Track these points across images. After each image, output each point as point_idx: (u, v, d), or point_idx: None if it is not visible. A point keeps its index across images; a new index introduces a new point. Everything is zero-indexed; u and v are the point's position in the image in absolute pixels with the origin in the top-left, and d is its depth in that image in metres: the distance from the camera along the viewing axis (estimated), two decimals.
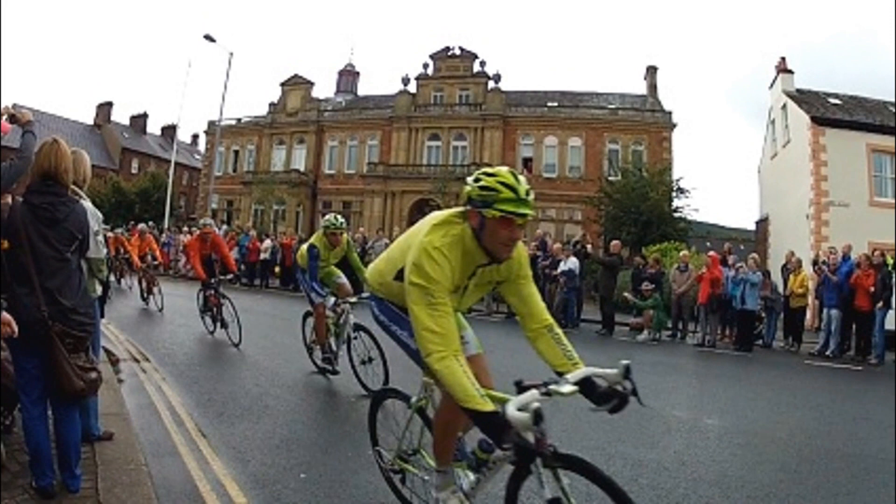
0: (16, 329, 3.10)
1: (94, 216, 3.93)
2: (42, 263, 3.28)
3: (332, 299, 7.23)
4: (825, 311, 13.00)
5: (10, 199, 3.39)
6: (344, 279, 7.76)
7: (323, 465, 4.44)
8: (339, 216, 7.50)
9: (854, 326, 12.65)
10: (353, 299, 7.09)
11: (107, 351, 7.05)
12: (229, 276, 10.61)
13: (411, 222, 34.62)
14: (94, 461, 3.91)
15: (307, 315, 7.71)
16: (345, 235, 7.45)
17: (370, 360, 6.62)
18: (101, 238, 4.07)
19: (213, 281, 9.99)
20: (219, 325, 9.80)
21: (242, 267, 21.03)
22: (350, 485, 4.11)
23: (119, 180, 47.77)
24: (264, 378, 7.33)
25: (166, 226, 30.91)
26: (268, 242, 22.38)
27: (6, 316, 3.08)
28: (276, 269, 21.89)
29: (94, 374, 3.50)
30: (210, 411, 5.75)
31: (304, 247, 7.56)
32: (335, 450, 4.83)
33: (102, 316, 5.46)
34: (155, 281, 13.77)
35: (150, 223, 28.38)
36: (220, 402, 6.07)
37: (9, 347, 3.49)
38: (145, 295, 13.83)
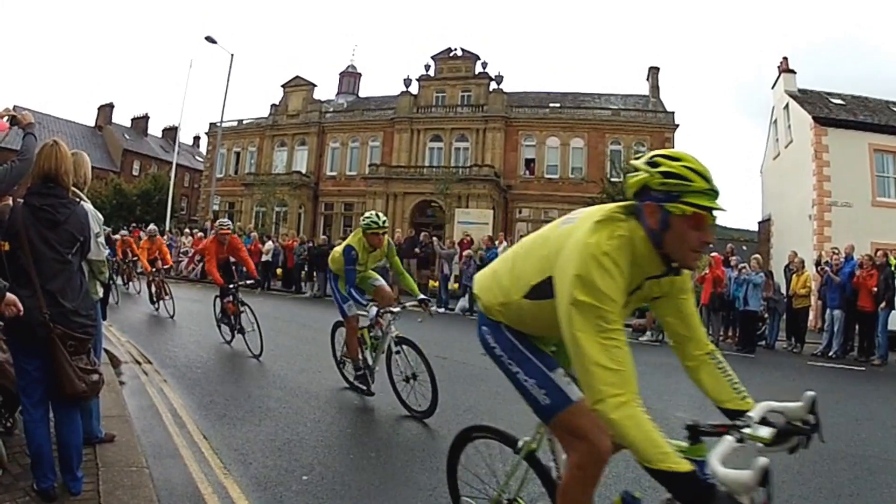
0: (21, 308, 3.10)
1: (95, 218, 3.93)
2: (43, 265, 3.28)
3: (375, 309, 6.30)
4: (828, 311, 12.99)
5: (10, 201, 3.38)
6: (382, 281, 7.04)
7: (325, 468, 4.43)
8: (380, 213, 6.54)
9: (857, 327, 12.62)
10: (397, 309, 6.30)
11: (108, 353, 7.04)
12: (249, 282, 9.63)
13: (413, 224, 34.82)
14: (95, 463, 3.91)
15: (337, 326, 7.07)
16: (387, 236, 6.67)
17: (414, 377, 5.95)
18: (101, 240, 4.07)
19: (231, 287, 9.25)
20: (237, 333, 9.17)
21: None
22: (352, 487, 4.10)
23: (120, 182, 47.81)
24: (266, 380, 7.33)
25: (167, 228, 30.95)
26: (269, 244, 22.40)
27: (11, 297, 3.08)
28: (279, 271, 21.91)
29: (95, 377, 3.50)
30: (212, 413, 5.75)
31: (340, 249, 6.74)
32: (337, 452, 4.82)
33: (104, 318, 5.47)
34: (165, 286, 12.98)
35: (152, 225, 28.42)
36: (221, 405, 6.07)
37: (10, 349, 3.49)
38: (155, 300, 13.16)
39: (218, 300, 9.69)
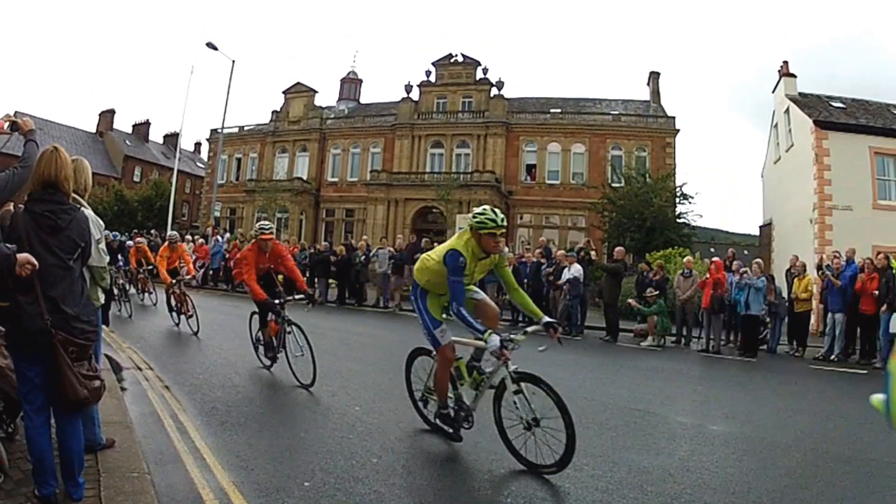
0: (36, 263, 3.14)
1: (96, 224, 3.93)
2: (45, 272, 3.28)
3: (497, 338, 4.54)
4: (829, 315, 12.97)
5: (11, 207, 3.39)
6: (483, 295, 5.48)
7: (326, 474, 4.42)
8: (497, 209, 5.01)
9: (858, 330, 12.61)
10: (521, 335, 4.74)
11: (109, 359, 7.04)
12: (299, 296, 8.11)
13: (415, 230, 34.85)
14: (96, 469, 3.91)
15: (417, 354, 5.82)
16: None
17: (536, 422, 4.53)
18: (103, 246, 4.07)
19: (276, 302, 7.78)
20: (280, 357, 7.88)
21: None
22: (354, 493, 4.08)
23: (121, 188, 47.94)
24: (267, 387, 7.33)
25: (169, 234, 31.02)
26: None
27: (23, 256, 3.11)
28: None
29: (97, 383, 3.50)
30: (213, 419, 5.74)
31: (435, 254, 5.22)
32: (339, 458, 4.81)
33: (107, 324, 5.47)
34: (188, 300, 11.63)
35: (154, 231, 28.41)
36: (223, 411, 6.06)
37: (11, 355, 3.49)
38: (176, 313, 11.93)
39: (256, 318, 8.40)
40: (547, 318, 4.90)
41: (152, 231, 28.81)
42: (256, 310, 8.21)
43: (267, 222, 8.35)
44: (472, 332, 4.75)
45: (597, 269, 16.99)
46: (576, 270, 14.83)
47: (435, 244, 20.21)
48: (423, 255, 5.57)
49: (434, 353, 5.29)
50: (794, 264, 14.37)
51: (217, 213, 37.39)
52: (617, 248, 16.46)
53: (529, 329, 4.93)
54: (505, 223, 4.95)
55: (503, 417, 4.83)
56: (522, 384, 4.60)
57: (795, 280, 13.89)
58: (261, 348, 8.32)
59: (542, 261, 16.14)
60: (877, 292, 11.99)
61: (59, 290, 3.34)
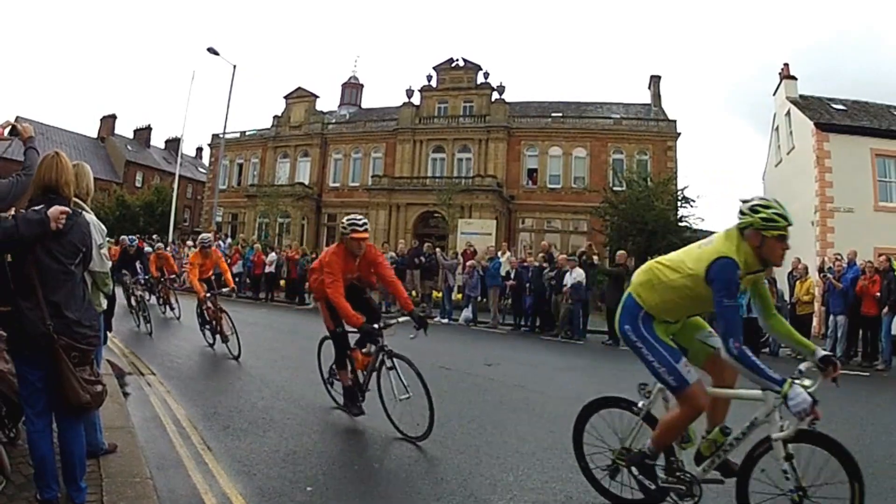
0: (69, 210, 3.22)
1: (98, 229, 3.94)
2: (46, 276, 3.29)
3: (803, 392, 3.23)
4: (831, 317, 12.95)
5: (13, 213, 3.40)
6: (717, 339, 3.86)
7: (329, 479, 4.42)
8: (776, 199, 3.72)
9: (861, 332, 12.60)
10: (807, 381, 3.34)
11: (112, 364, 7.04)
12: (403, 318, 5.82)
13: (416, 234, 34.82)
14: (98, 474, 3.91)
15: (598, 406, 4.27)
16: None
17: (804, 492, 3.31)
18: (105, 251, 4.08)
19: (375, 329, 5.64)
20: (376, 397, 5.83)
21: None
22: (357, 498, 4.09)
23: (123, 193, 48.07)
24: (270, 391, 7.30)
25: (171, 239, 31.11)
26: (273, 256, 22.41)
27: (55, 209, 3.17)
28: (282, 283, 21.93)
29: (99, 387, 3.50)
30: (215, 424, 5.74)
31: (685, 263, 3.75)
32: (341, 464, 4.81)
33: (110, 330, 5.46)
34: (226, 318, 9.72)
35: (155, 236, 28.44)
36: (225, 416, 6.06)
37: (13, 359, 3.50)
38: (210, 330, 10.08)
39: (326, 343, 6.43)
40: (822, 352, 3.60)
41: (153, 236, 28.82)
42: (328, 336, 6.22)
43: (359, 216, 5.94)
44: (759, 380, 3.36)
45: (599, 273, 16.99)
46: (578, 275, 14.82)
47: (437, 249, 20.30)
48: (652, 263, 3.95)
49: (641, 404, 3.96)
50: (795, 267, 14.36)
51: (219, 219, 37.41)
52: (619, 252, 16.44)
53: (803, 367, 3.51)
54: (792, 222, 3.60)
55: (750, 492, 3.46)
56: (790, 446, 3.32)
57: (797, 283, 13.88)
58: (337, 385, 6.40)
59: (545, 265, 16.11)
60: (878, 294, 11.98)
61: (61, 295, 3.34)
